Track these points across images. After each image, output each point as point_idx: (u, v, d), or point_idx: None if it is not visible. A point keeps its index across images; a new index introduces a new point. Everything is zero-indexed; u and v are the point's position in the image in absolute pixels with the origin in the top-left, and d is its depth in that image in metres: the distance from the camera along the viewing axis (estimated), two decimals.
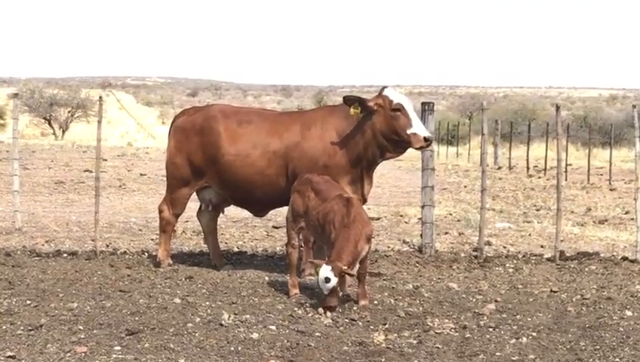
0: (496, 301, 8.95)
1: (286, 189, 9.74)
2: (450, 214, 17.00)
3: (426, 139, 9.72)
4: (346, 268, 8.10)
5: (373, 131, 9.85)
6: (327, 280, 8.05)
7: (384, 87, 10.03)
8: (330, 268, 8.05)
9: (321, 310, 8.23)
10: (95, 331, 7.44)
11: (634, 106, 12.94)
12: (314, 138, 10.03)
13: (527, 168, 33.66)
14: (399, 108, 9.76)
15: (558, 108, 12.54)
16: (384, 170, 26.32)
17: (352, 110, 9.81)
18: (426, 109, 12.01)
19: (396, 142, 9.82)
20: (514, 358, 6.90)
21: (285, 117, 10.74)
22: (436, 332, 7.65)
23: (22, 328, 7.48)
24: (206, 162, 10.26)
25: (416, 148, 9.89)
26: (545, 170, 32.17)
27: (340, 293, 8.44)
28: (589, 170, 29.41)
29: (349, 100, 9.88)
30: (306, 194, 9.04)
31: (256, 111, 11.03)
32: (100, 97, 12.56)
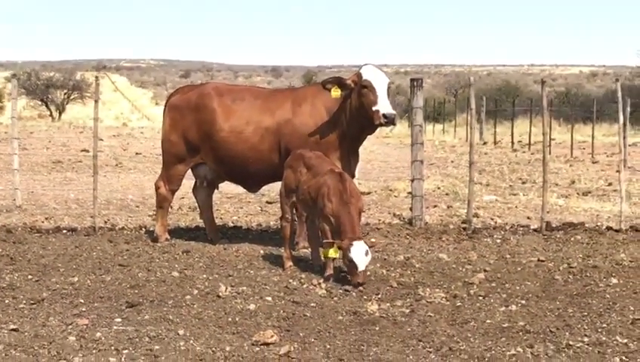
0: (485, 270, 8.93)
1: (279, 165, 9.70)
2: (439, 188, 16.99)
3: (385, 116, 9.59)
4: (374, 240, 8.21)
5: (350, 107, 9.81)
6: (367, 253, 8.08)
7: (365, 65, 9.96)
8: (362, 242, 8.10)
9: (315, 281, 8.22)
10: (96, 304, 7.41)
11: (617, 80, 12.96)
12: (304, 115, 9.99)
13: (512, 143, 33.73)
14: (367, 85, 9.68)
15: (543, 82, 12.50)
16: (373, 146, 26.38)
17: (332, 93, 9.76)
18: (415, 85, 11.98)
19: (367, 118, 9.73)
20: (504, 325, 6.88)
21: (277, 94, 10.68)
22: (428, 302, 7.63)
23: (24, 302, 7.44)
24: (201, 139, 10.21)
25: (377, 125, 9.76)
26: (529, 144, 32.22)
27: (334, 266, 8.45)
28: (572, 144, 29.47)
29: (327, 84, 9.82)
30: (298, 170, 8.99)
31: (248, 88, 10.96)
32: (97, 77, 12.50)
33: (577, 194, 16.36)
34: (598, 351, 6.20)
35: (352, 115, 9.81)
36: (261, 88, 11.49)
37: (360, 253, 8.04)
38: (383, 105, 9.59)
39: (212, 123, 10.10)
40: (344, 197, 8.35)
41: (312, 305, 7.46)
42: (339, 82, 9.80)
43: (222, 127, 10.06)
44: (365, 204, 11.05)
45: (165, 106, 10.71)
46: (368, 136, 10.35)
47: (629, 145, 27.37)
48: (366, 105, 9.65)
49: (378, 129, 10.11)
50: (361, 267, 8.05)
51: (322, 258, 8.52)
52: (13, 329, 6.57)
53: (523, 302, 7.64)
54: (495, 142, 35.36)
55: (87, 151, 23.42)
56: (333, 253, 8.18)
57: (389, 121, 9.63)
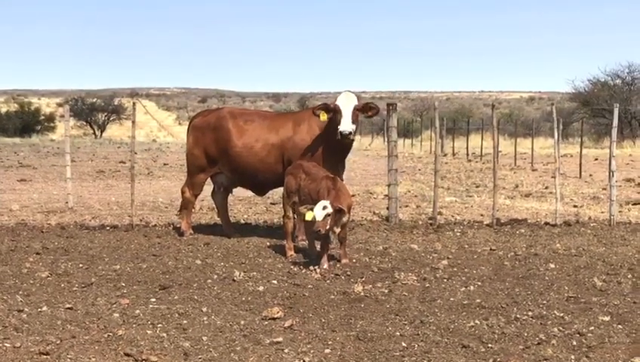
0: (448, 258, 8.94)
1: (282, 174, 9.69)
2: (409, 191, 16.98)
3: (341, 133, 9.58)
4: (338, 206, 8.14)
5: (330, 126, 9.82)
6: (325, 207, 8.02)
7: (344, 92, 9.96)
8: (328, 202, 8.08)
9: (312, 267, 8.20)
10: (135, 287, 7.39)
11: (552, 103, 13.02)
12: (303, 133, 9.99)
13: (467, 155, 33.74)
14: (336, 109, 9.72)
15: (493, 106, 12.56)
16: (356, 157, 26.32)
17: (321, 117, 9.77)
18: (390, 109, 11.99)
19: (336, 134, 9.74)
20: (464, 302, 6.89)
21: (280, 116, 10.71)
22: (403, 283, 7.63)
23: (76, 285, 7.43)
24: (218, 153, 10.21)
25: (339, 140, 9.72)
26: (481, 156, 32.25)
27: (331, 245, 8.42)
28: (515, 155, 29.48)
29: (316, 110, 9.82)
30: (298, 176, 8.99)
31: (257, 112, 10.98)
32: (134, 103, 12.51)
33: (520, 195, 16.38)
34: (540, 323, 6.21)
35: (332, 131, 9.82)
36: (267, 111, 11.50)
37: (319, 207, 8.04)
38: (344, 125, 9.62)
39: (228, 140, 10.10)
40: (333, 187, 8.40)
41: (310, 286, 7.46)
42: (325, 108, 9.81)
43: (236, 143, 10.07)
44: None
45: (189, 126, 10.70)
46: (352, 149, 10.35)
47: (562, 156, 27.39)
48: (335, 124, 9.70)
49: (357, 143, 10.10)
50: (318, 217, 8.01)
51: (315, 249, 8.50)
52: (68, 308, 6.56)
53: (479, 283, 7.66)
54: (454, 154, 35.39)
55: (125, 162, 23.40)
56: (308, 216, 8.17)
57: (343, 136, 9.64)
